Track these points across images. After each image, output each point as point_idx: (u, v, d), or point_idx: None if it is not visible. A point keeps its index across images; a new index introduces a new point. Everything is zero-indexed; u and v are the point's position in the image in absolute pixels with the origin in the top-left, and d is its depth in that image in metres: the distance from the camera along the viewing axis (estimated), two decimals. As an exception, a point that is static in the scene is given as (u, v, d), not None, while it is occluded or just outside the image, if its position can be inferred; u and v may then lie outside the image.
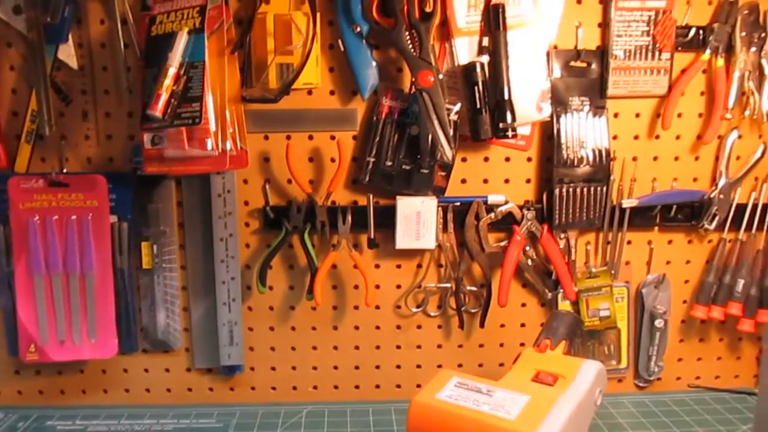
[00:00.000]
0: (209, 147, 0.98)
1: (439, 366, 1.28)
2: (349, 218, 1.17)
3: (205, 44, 0.97)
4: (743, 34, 1.16)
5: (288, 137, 1.17)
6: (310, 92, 1.15)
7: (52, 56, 1.09)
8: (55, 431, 1.15)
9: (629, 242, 1.25)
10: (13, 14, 1.07)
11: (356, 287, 1.24)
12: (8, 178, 1.11)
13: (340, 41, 1.11)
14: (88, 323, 1.14)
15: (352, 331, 1.26)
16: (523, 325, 1.27)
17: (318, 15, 1.09)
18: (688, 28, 1.17)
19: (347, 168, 1.17)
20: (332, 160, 1.18)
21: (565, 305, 1.25)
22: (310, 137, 1.18)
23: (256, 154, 1.17)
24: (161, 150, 1.00)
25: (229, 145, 1.03)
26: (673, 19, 1.15)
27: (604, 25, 1.16)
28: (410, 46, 1.08)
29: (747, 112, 1.19)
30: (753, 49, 1.17)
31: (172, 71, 0.96)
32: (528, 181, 1.21)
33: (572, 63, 1.17)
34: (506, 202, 1.19)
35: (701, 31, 1.17)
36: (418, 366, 1.28)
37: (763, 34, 1.17)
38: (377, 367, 1.28)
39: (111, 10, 1.09)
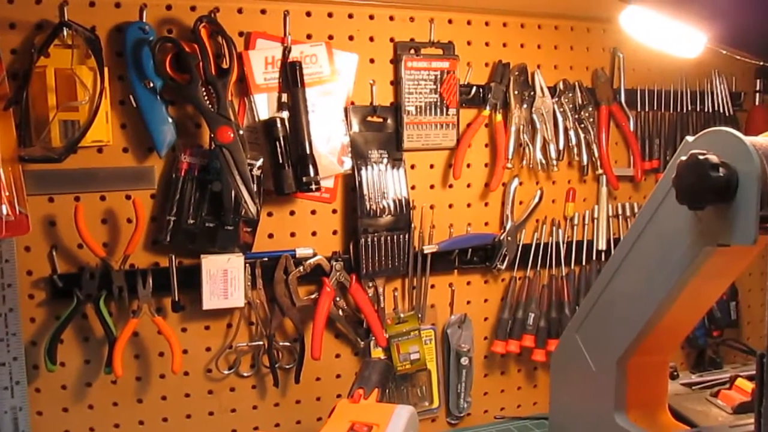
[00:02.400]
0: (-21, 213, 0.88)
1: (256, 428, 1.23)
2: (150, 281, 1.10)
3: (-30, 100, 0.87)
4: (516, 92, 1.30)
5: (77, 198, 1.08)
6: (100, 150, 1.08)
7: None
8: None
9: (433, 286, 1.31)
10: None
11: (162, 354, 1.16)
12: None
13: (131, 97, 1.06)
14: None
15: (159, 403, 1.18)
16: (338, 376, 1.28)
17: (106, 70, 1.03)
18: (470, 86, 1.29)
19: (145, 228, 1.11)
20: (129, 220, 1.11)
21: (377, 352, 1.27)
22: (103, 198, 1.10)
23: (39, 218, 1.07)
24: None
25: (5, 209, 0.94)
26: (457, 78, 1.26)
27: (396, 83, 1.24)
28: (207, 101, 1.06)
29: (524, 162, 1.33)
30: (525, 105, 1.31)
31: (-71, 130, 0.85)
32: (335, 232, 1.24)
33: (369, 118, 1.23)
34: (314, 255, 1.20)
35: (481, 90, 1.30)
36: (234, 431, 1.22)
37: (532, 93, 1.32)
38: (189, 437, 1.20)
39: None
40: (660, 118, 1.46)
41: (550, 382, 1.08)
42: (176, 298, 1.12)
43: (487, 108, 1.29)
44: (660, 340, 0.89)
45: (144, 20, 1.06)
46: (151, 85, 1.05)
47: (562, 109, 1.34)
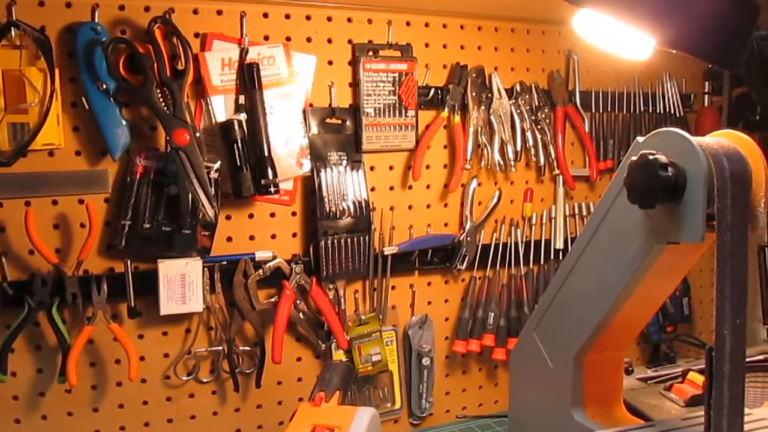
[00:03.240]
0: None
1: (216, 435, 1.22)
2: (105, 287, 1.08)
3: None
4: (473, 94, 1.32)
5: (27, 203, 1.05)
6: (51, 153, 1.06)
7: None
8: None
9: (393, 287, 1.31)
10: None
11: (118, 362, 1.14)
12: None
13: (84, 99, 1.04)
14: None
15: (115, 411, 1.15)
16: (300, 379, 1.27)
17: (57, 71, 1.01)
18: (429, 88, 1.30)
19: (99, 233, 1.08)
20: (82, 225, 1.08)
21: (339, 355, 1.27)
22: (55, 202, 1.07)
23: (-13, 223, 1.04)
24: None
25: (-50, 215, 0.90)
26: (415, 80, 1.27)
27: (355, 85, 1.24)
28: (163, 103, 1.05)
29: (483, 163, 1.34)
30: (482, 107, 1.33)
31: None
32: (294, 235, 1.23)
33: (328, 120, 1.22)
34: (274, 258, 1.19)
35: (439, 91, 1.31)
36: (194, 438, 1.21)
37: (489, 94, 1.34)
38: (147, 446, 1.18)
39: None
40: (614, 119, 1.49)
41: (510, 380, 1.09)
42: (132, 304, 1.10)
43: (446, 109, 1.30)
44: (615, 337, 0.91)
45: (96, 20, 1.04)
46: (104, 86, 1.03)
47: (519, 111, 1.36)
